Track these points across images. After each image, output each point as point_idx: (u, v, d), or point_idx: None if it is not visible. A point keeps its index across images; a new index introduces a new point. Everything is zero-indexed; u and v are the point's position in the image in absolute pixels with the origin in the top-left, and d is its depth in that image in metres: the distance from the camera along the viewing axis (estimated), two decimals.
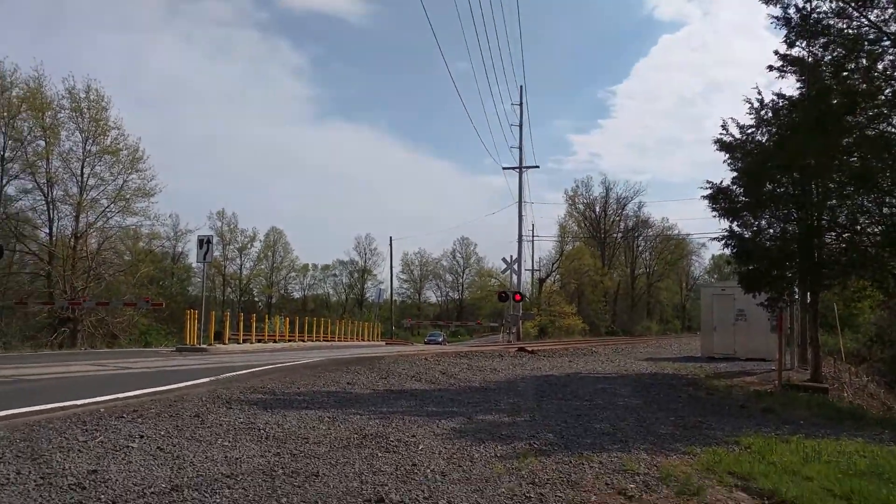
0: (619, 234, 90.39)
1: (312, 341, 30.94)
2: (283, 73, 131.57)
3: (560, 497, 4.57)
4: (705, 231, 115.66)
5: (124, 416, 6.70)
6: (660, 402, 10.07)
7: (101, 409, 7.08)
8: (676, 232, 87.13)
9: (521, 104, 43.20)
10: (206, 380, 10.19)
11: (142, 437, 5.82)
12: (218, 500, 4.17)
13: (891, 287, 13.62)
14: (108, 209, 34.93)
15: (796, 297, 16.93)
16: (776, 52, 14.02)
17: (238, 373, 11.51)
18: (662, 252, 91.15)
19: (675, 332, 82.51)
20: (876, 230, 13.44)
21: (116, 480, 4.49)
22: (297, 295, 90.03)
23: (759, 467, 5.53)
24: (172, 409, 7.24)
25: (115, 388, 8.84)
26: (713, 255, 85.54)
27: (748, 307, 19.49)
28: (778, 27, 13.62)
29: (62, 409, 7.01)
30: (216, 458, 5.22)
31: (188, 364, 13.85)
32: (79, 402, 7.38)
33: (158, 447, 5.49)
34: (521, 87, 44.25)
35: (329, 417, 7.29)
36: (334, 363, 14.21)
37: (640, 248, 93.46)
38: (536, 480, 4.95)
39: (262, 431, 6.35)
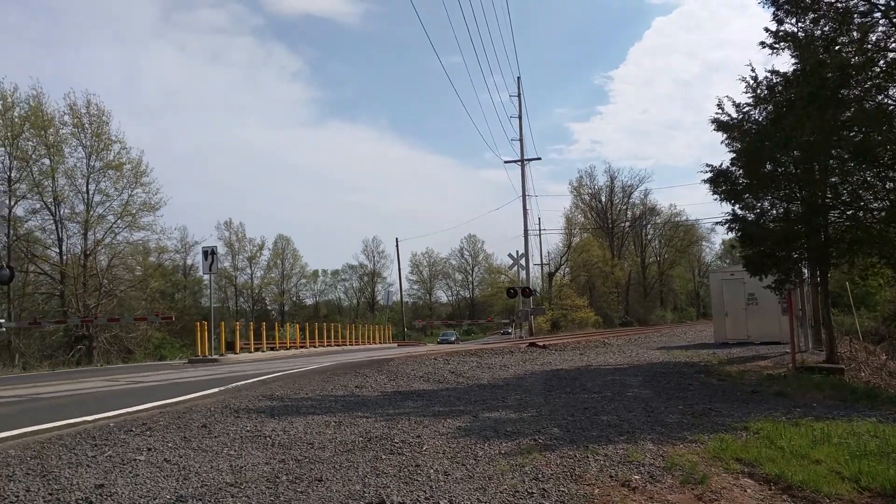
0: (627, 224, 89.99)
1: (324, 346, 31.04)
2: (281, 77, 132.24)
3: (563, 492, 4.56)
4: (714, 215, 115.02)
5: (133, 429, 6.75)
6: (669, 391, 10.03)
7: (111, 424, 7.14)
8: (685, 218, 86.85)
9: (518, 95, 43.19)
10: (216, 390, 10.24)
11: (149, 449, 5.86)
12: None
13: None
14: (115, 225, 35.24)
15: (805, 277, 16.81)
16: (766, 30, 13.92)
17: (247, 381, 11.56)
18: (672, 239, 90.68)
19: (691, 319, 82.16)
20: (880, 206, 13.32)
21: (123, 494, 4.53)
22: (309, 301, 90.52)
23: (767, 452, 5.50)
24: (181, 421, 7.28)
25: (125, 402, 8.92)
26: (724, 240, 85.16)
27: (759, 290, 19.35)
28: (766, 6, 13.53)
29: (72, 425, 7.07)
30: (221, 468, 5.24)
31: (199, 375, 13.92)
32: (89, 418, 7.45)
33: (165, 459, 5.52)
34: (518, 78, 43.85)
35: (335, 422, 7.31)
36: (343, 367, 14.25)
37: (650, 237, 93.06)
38: (540, 476, 4.95)
39: (268, 439, 6.37)
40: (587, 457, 5.55)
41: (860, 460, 5.12)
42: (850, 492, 4.51)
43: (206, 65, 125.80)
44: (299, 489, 4.65)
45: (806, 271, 16.08)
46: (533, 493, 4.54)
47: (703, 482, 4.73)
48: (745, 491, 4.63)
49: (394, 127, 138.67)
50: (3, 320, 21.85)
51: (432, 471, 5.13)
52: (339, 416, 7.69)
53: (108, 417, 7.56)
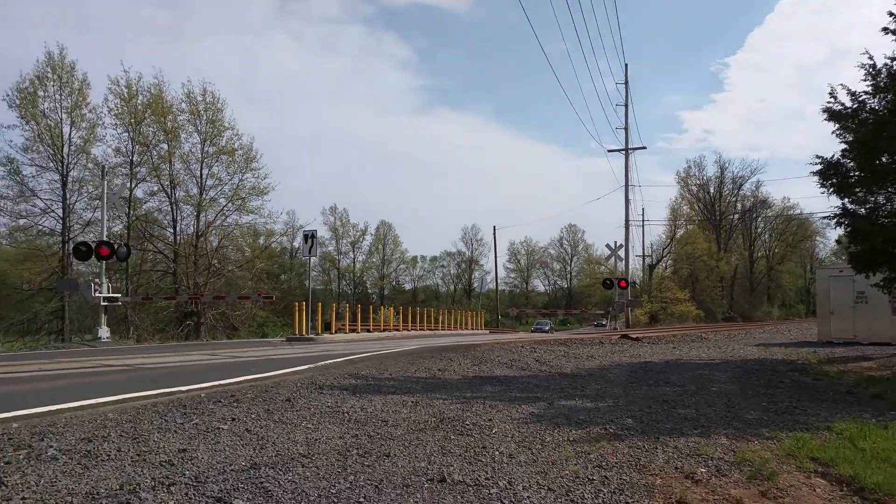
0: (736, 216, 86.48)
1: (417, 330, 31.59)
2: (390, 65, 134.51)
3: (624, 480, 4.55)
4: (832, 209, 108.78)
5: (221, 400, 7.17)
6: (757, 387, 9.70)
7: (203, 395, 7.60)
8: (798, 211, 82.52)
9: (625, 83, 42.24)
10: (305, 367, 10.69)
11: (233, 419, 6.22)
12: (290, 478, 4.42)
13: None
14: (225, 208, 37.00)
15: None
16: (890, 13, 13.08)
17: (336, 360, 11.98)
18: (784, 233, 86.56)
19: (799, 317, 78.33)
20: None
21: (202, 459, 4.85)
22: (407, 286, 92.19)
23: (845, 453, 5.28)
24: (267, 395, 7.67)
25: (220, 375, 9.46)
26: (840, 235, 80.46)
27: (869, 289, 18.34)
28: None
29: (168, 394, 7.58)
30: (297, 440, 5.51)
31: (293, 353, 14.51)
32: (184, 388, 7.96)
33: (247, 429, 5.85)
34: (626, 65, 42.99)
35: (412, 402, 7.51)
36: (430, 350, 14.51)
37: (759, 230, 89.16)
38: (604, 464, 4.95)
39: (345, 415, 6.63)
40: (656, 448, 5.49)
41: None
42: None
43: (319, 54, 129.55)
44: (367, 463, 4.84)
45: None
46: (594, 479, 4.56)
47: (772, 479, 4.61)
48: (815, 490, 4.48)
49: (499, 115, 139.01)
50: (119, 295, 23.41)
51: (497, 453, 5.21)
52: (417, 397, 7.88)
53: (201, 388, 8.05)
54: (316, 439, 5.55)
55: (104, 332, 20.84)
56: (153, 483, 4.21)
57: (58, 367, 11.06)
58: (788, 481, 4.61)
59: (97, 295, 20.95)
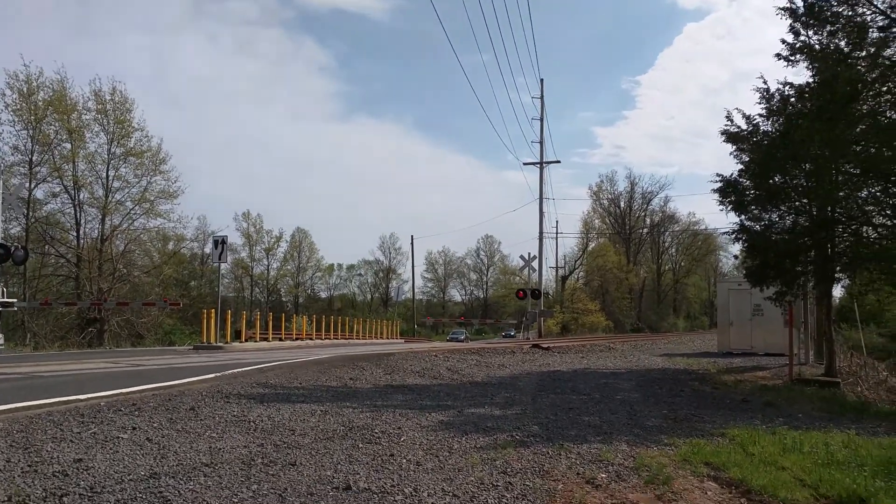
0: (645, 230, 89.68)
1: (331, 339, 31.27)
2: (309, 70, 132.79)
3: (527, 486, 4.66)
4: (731, 225, 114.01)
5: (122, 409, 6.93)
6: (659, 396, 10.10)
7: (102, 403, 7.32)
8: (704, 227, 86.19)
9: (541, 97, 43.08)
10: (212, 375, 10.43)
11: (134, 428, 6.02)
12: (191, 487, 4.33)
13: None
14: (132, 211, 35.60)
15: (811, 288, 16.75)
16: (783, 41, 13.89)
17: (245, 369, 11.74)
18: (690, 247, 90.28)
19: (703, 328, 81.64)
20: (884, 221, 13.27)
21: (99, 469, 4.68)
22: (323, 295, 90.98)
23: (736, 458, 5.57)
24: (170, 403, 7.45)
25: (122, 383, 9.10)
26: (740, 250, 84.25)
27: (765, 302, 19.31)
28: (783, 17, 13.50)
29: (65, 402, 7.26)
30: (200, 449, 5.39)
31: (200, 361, 14.13)
32: (82, 397, 7.64)
33: (147, 438, 5.68)
34: (541, 80, 43.75)
35: (322, 411, 7.45)
36: (343, 359, 14.40)
37: (667, 244, 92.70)
38: (509, 470, 5.05)
39: (251, 424, 6.52)
40: (560, 454, 5.64)
41: (824, 469, 5.19)
42: (808, 498, 4.57)
43: (234, 56, 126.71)
44: (271, 472, 4.78)
45: (811, 284, 16.03)
46: (498, 485, 4.65)
47: (667, 483, 4.81)
48: (706, 493, 4.71)
49: (419, 125, 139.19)
50: (15, 300, 22.22)
51: (405, 461, 5.25)
52: (327, 406, 7.83)
53: (101, 397, 7.74)
54: (220, 448, 5.44)
55: None
56: (44, 494, 4.06)
57: None
58: (683, 485, 4.82)
59: None
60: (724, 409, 8.89)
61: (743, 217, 14.62)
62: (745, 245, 14.92)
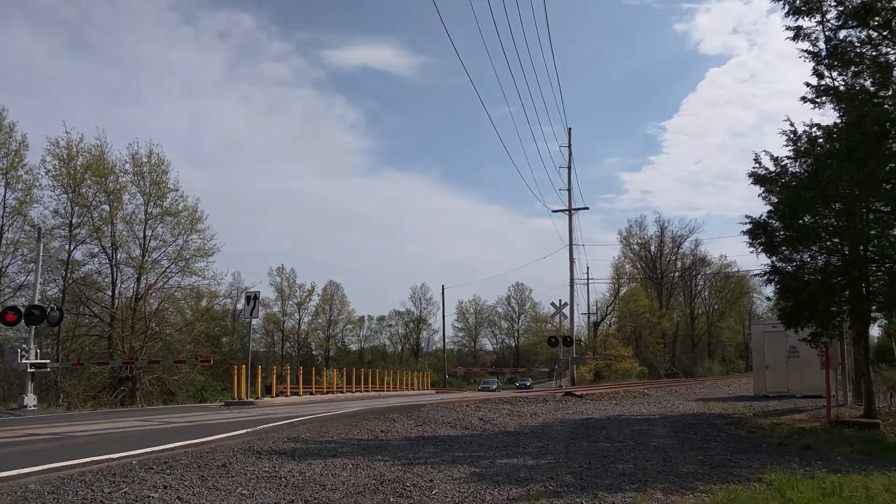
0: (677, 274, 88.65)
1: (362, 392, 31.14)
2: (339, 127, 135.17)
3: None
4: (763, 267, 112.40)
5: (153, 467, 6.94)
6: (693, 441, 9.88)
7: (134, 462, 7.34)
8: (736, 269, 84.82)
9: (568, 146, 43.25)
10: (243, 431, 10.42)
11: (165, 487, 6.02)
12: None
13: None
14: (168, 269, 36.19)
15: (847, 329, 16.38)
16: (807, 84, 13.90)
17: (276, 424, 11.72)
18: (722, 290, 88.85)
19: (739, 371, 79.81)
20: None
21: None
22: (354, 347, 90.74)
23: (774, 503, 5.41)
24: (202, 461, 7.45)
25: (154, 441, 9.14)
26: (774, 291, 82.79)
27: (801, 343, 18.94)
28: (806, 60, 13.54)
29: (96, 462, 7.28)
30: None
31: (231, 417, 14.15)
32: (115, 456, 7.67)
33: (178, 496, 5.68)
34: (569, 129, 44.03)
35: (353, 464, 7.40)
36: (373, 412, 14.33)
37: (699, 287, 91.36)
38: None
39: (283, 479, 6.49)
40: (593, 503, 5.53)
41: None
42: None
43: (268, 116, 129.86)
44: None
45: (845, 324, 15.69)
46: None
47: None
48: None
49: (446, 176, 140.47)
50: (48, 361, 22.50)
51: None
52: (358, 459, 7.77)
53: (133, 455, 7.77)
54: None
55: (30, 399, 19.88)
56: None
57: None
58: None
59: (23, 361, 20.06)
60: (760, 454, 8.66)
61: (774, 258, 14.43)
62: (778, 286, 14.70)
